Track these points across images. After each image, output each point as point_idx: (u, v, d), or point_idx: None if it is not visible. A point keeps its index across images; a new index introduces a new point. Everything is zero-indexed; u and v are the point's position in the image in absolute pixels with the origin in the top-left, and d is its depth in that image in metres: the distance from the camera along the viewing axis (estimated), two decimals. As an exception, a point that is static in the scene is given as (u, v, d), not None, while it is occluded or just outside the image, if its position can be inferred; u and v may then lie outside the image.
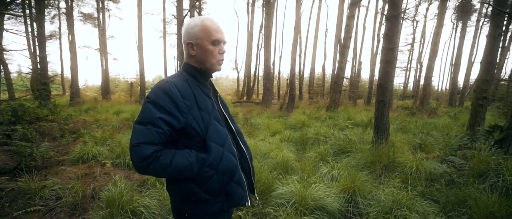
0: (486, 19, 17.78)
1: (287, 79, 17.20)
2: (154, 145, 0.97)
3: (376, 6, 20.10)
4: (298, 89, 21.62)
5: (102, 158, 4.22)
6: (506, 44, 15.64)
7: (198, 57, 1.11)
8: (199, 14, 22.22)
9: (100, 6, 19.38)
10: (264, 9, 12.62)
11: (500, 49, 16.40)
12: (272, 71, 19.92)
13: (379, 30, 19.62)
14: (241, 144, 1.21)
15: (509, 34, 14.95)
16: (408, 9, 21.13)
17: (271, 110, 12.39)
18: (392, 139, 5.30)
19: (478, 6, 18.68)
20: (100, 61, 19.75)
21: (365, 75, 27.39)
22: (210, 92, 1.18)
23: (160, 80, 1.10)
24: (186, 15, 17.51)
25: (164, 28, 22.10)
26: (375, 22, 20.10)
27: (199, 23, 1.09)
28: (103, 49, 19.64)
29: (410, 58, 26.23)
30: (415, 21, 22.92)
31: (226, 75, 46.02)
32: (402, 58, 27.34)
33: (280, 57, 23.96)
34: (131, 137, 0.98)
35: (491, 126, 4.50)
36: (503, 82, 11.13)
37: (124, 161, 4.09)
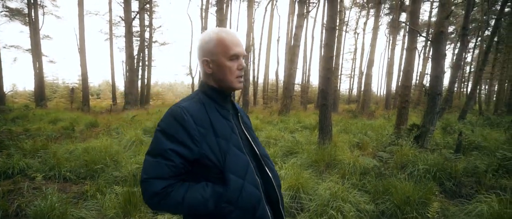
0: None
1: (242, 85, 17.43)
2: (164, 180, 0.88)
3: (322, 18, 21.80)
4: (252, 95, 22.07)
5: (32, 171, 3.77)
6: (426, 56, 18.39)
7: (215, 75, 1.01)
8: (150, 16, 21.28)
9: (32, 1, 17.21)
10: (217, 15, 12.72)
11: (422, 61, 19.31)
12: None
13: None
14: (267, 170, 1.07)
15: (427, 48, 17.68)
16: (349, 21, 23.35)
17: (226, 115, 12.41)
18: (335, 139, 5.81)
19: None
20: (32, 64, 17.44)
21: (315, 81, 29.29)
22: (230, 114, 1.05)
23: (173, 105, 0.99)
24: (135, 17, 16.62)
25: (111, 30, 20.61)
26: (322, 32, 21.73)
27: (214, 37, 0.99)
28: (36, 50, 17.40)
29: (354, 66, 28.94)
30: (356, 33, 25.45)
31: (181, 81, 44.47)
32: (347, 66, 30.00)
33: (235, 63, 24.18)
34: (141, 171, 0.92)
35: (411, 125, 5.29)
36: (424, 88, 13.00)
37: (59, 173, 3.72)
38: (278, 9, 25.75)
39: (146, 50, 20.69)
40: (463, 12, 12.19)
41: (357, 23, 24.73)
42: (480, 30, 17.34)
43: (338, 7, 12.92)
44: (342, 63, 24.25)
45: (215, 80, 1.02)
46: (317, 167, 4.37)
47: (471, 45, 23.20)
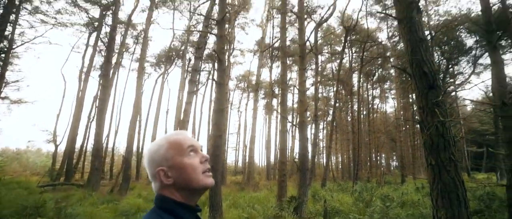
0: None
1: (123, 156, 15.31)
2: None
3: (210, 95, 23.81)
4: (135, 168, 19.53)
5: None
6: (293, 135, 22.73)
7: (178, 181, 0.81)
8: (2, 68, 16.86)
9: None
10: (100, 81, 11.68)
11: (292, 138, 23.81)
12: (104, 147, 17.32)
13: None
14: None
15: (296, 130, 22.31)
16: (233, 101, 26.44)
17: (99, 193, 10.24)
18: (225, 215, 5.82)
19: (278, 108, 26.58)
20: None
21: (205, 153, 29.38)
22: None
23: None
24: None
25: None
26: (210, 109, 23.34)
27: (163, 142, 0.85)
28: None
29: (238, 140, 31.57)
30: (239, 111, 28.81)
31: (37, 148, 32.50)
32: (232, 140, 32.36)
33: (116, 132, 21.36)
34: None
35: (290, 197, 6.12)
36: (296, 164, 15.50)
37: None
38: (169, 83, 26.25)
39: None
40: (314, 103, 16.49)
41: (239, 103, 28.36)
42: (325, 116, 23.54)
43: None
44: (228, 137, 26.02)
45: (179, 188, 0.82)
46: (210, 250, 4.17)
47: (322, 126, 30.69)
